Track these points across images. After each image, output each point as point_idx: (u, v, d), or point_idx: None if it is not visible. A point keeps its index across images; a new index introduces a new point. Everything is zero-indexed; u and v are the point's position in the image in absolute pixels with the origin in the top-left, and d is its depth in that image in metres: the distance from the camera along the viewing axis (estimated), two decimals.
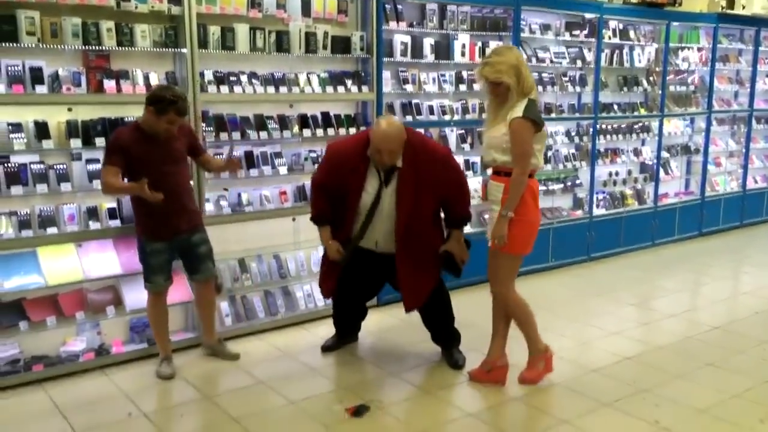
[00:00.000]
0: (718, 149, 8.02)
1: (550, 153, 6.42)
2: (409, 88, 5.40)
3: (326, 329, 4.59)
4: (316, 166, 4.84)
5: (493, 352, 3.84)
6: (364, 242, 3.90)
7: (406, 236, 3.78)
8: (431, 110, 5.58)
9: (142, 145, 3.71)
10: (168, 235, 3.87)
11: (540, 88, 6.14)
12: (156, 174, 3.69)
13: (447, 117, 5.60)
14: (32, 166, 3.85)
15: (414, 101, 5.48)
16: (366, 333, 4.61)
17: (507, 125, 3.51)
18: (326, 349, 4.36)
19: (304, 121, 4.85)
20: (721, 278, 6.18)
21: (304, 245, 4.96)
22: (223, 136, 4.46)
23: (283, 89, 4.68)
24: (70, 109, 3.91)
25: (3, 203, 3.82)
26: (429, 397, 3.71)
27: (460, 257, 3.91)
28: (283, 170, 4.73)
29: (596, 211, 6.70)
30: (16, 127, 3.80)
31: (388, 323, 4.85)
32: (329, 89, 4.89)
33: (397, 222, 3.77)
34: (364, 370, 4.13)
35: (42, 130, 3.85)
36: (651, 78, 7.18)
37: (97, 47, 3.95)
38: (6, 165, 3.79)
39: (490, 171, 3.81)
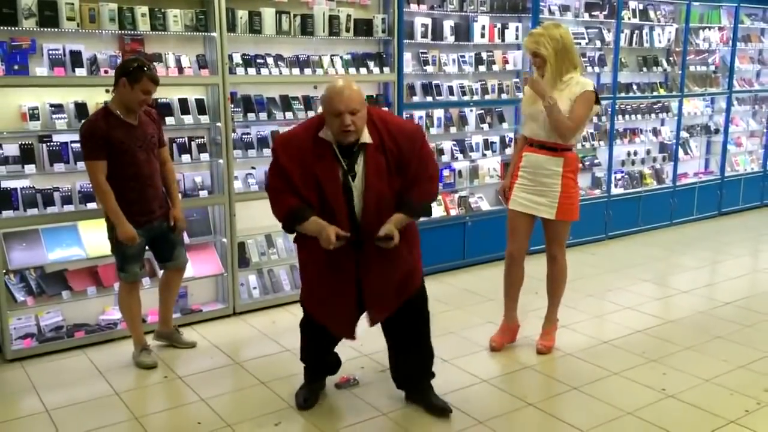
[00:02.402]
0: (738, 129, 8.04)
1: None
2: (429, 69, 5.55)
3: None
4: None
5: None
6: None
7: (376, 228, 2.99)
8: (451, 91, 5.72)
9: (118, 130, 3.63)
10: (144, 221, 3.77)
11: None
12: (132, 159, 3.67)
13: (467, 97, 5.74)
14: (72, 145, 4.08)
15: (434, 82, 5.62)
16: None
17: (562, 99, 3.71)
18: (304, 406, 3.37)
19: None
20: (738, 256, 6.27)
21: None
22: (251, 116, 4.66)
23: (307, 71, 4.86)
24: (107, 91, 4.12)
25: (47, 180, 4.07)
26: (446, 365, 3.90)
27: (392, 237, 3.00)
28: None
29: (614, 191, 6.80)
30: (58, 108, 4.04)
31: None
32: (352, 71, 5.06)
33: (365, 209, 3.01)
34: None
35: (82, 110, 4.08)
36: (671, 58, 7.22)
37: (132, 31, 4.15)
38: (49, 144, 4.02)
39: (515, 144, 4.04)
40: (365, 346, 3.97)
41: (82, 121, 3.80)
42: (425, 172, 3.11)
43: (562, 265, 4.05)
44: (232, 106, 4.55)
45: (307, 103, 4.92)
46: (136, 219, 3.72)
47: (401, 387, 3.42)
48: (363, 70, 5.11)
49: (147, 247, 3.95)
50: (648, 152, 7.19)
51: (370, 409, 3.36)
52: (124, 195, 3.67)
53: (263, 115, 4.72)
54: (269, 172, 3.12)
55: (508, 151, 5.96)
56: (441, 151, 5.68)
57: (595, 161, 6.78)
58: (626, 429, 3.18)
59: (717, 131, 7.76)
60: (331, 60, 4.98)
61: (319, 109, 4.82)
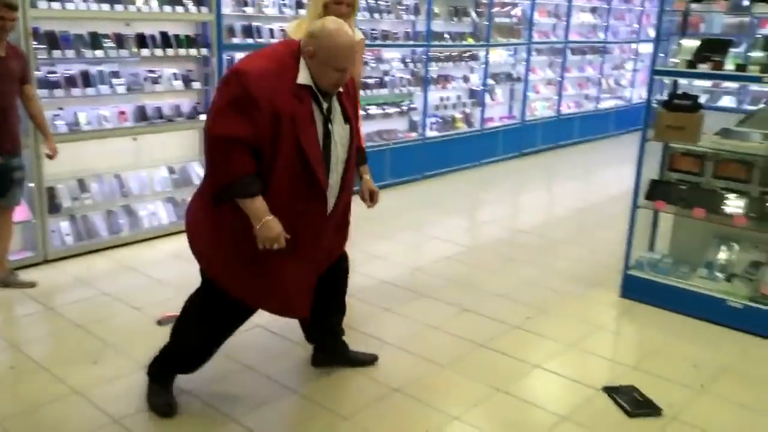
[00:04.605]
0: (537, 77, 8.86)
1: (387, 78, 6.84)
2: (249, 10, 5.53)
3: (171, 245, 4.81)
4: (157, 86, 4.95)
5: None
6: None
7: (352, 177, 2.84)
8: (272, 33, 5.75)
9: None
10: None
11: (377, 15, 6.51)
12: None
13: None
14: None
15: (254, 24, 5.61)
16: None
17: None
18: (171, 413, 2.87)
19: (141, 41, 4.86)
20: (533, 191, 7.04)
21: (146, 165, 5.07)
22: (56, 54, 4.41)
23: (118, 7, 4.66)
24: None
25: None
26: None
27: (375, 196, 3.07)
28: (121, 89, 4.75)
29: (429, 133, 7.27)
30: None
31: None
32: (167, 8, 4.92)
33: (347, 165, 2.74)
34: None
35: None
36: (479, 9, 7.75)
37: None
38: None
39: None
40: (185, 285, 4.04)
41: None
42: (359, 117, 3.08)
43: None
44: (35, 42, 4.27)
45: (120, 41, 4.73)
46: None
47: (323, 346, 3.24)
48: (179, 8, 4.98)
49: None
50: (459, 97, 7.74)
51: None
52: None
53: (70, 53, 4.47)
54: (222, 112, 2.48)
55: None
56: None
57: (412, 106, 7.18)
58: (432, 340, 3.57)
59: (519, 79, 8.50)
60: None
61: (133, 48, 4.64)
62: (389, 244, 5.08)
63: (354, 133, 2.75)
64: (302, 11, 5.84)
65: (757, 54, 3.77)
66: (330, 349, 3.25)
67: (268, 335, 3.56)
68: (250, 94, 2.42)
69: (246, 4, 5.50)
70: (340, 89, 2.66)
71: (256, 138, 2.45)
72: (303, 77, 2.54)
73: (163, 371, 2.91)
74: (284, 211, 2.53)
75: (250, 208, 2.49)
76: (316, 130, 2.57)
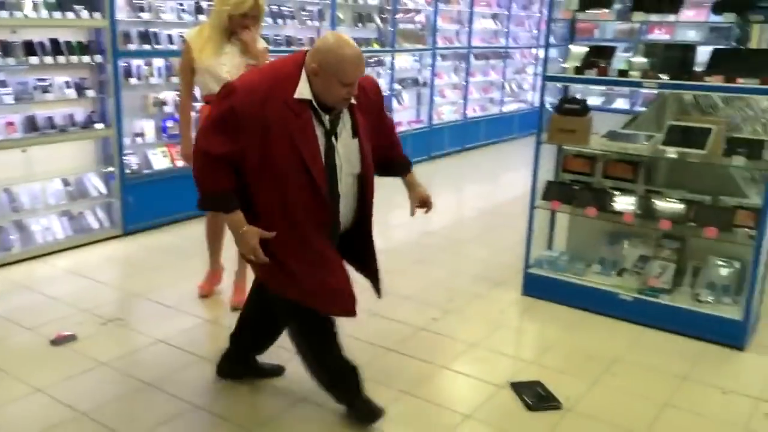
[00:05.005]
0: (442, 82, 9.05)
1: None
2: (145, 15, 5.37)
3: (67, 260, 4.62)
4: (48, 95, 4.73)
5: None
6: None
7: (371, 197, 2.79)
8: (171, 39, 5.61)
9: None
10: None
11: (280, 21, 6.48)
12: None
13: None
14: None
15: (152, 30, 5.46)
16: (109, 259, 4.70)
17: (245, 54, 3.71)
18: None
19: (30, 48, 4.63)
20: (441, 193, 7.16)
21: (38, 177, 4.83)
22: None
23: (3, 13, 4.42)
24: None
25: None
26: (171, 311, 3.98)
27: (429, 202, 3.06)
28: (8, 99, 4.52)
29: None
30: None
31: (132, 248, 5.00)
32: (57, 14, 4.71)
33: (366, 178, 2.72)
34: (104, 292, 4.26)
35: None
36: (383, 15, 7.84)
37: None
38: None
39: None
40: (82, 302, 3.90)
41: None
42: (393, 126, 3.00)
43: None
44: None
45: (6, 48, 4.49)
46: None
47: (249, 359, 3.19)
48: (70, 15, 4.78)
49: None
50: None
51: (91, 361, 3.34)
52: None
53: None
54: (207, 127, 2.55)
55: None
56: (164, 102, 5.59)
57: None
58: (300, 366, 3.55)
59: (425, 84, 8.65)
60: (33, 2, 4.58)
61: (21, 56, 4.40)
62: None
63: (362, 147, 2.66)
64: (202, 17, 5.73)
65: (638, 59, 4.00)
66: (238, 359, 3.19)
67: (170, 350, 3.47)
68: (234, 110, 2.44)
69: (142, 10, 5.34)
70: (352, 101, 2.59)
71: (238, 155, 2.47)
72: (300, 92, 2.48)
73: (340, 394, 2.89)
74: (283, 220, 2.55)
75: (227, 221, 2.60)
76: (317, 143, 2.52)
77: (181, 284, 4.33)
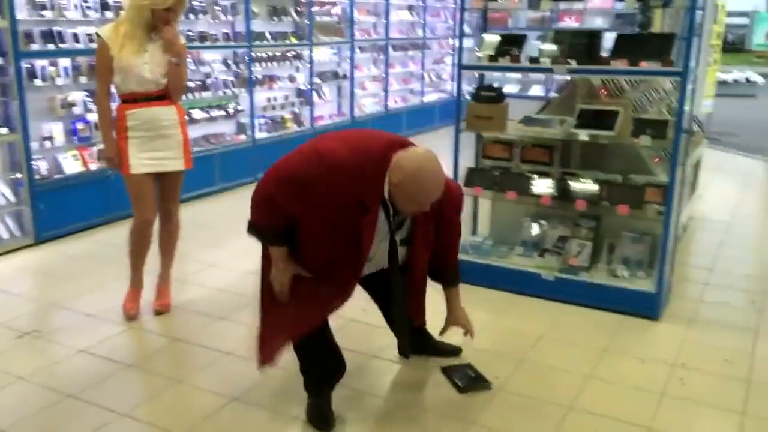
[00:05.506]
0: (362, 75, 9.07)
1: (209, 81, 6.67)
2: (48, 14, 5.14)
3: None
4: None
5: None
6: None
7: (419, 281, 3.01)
8: (77, 38, 5.39)
9: None
10: None
11: (192, 16, 6.32)
12: None
13: (95, 45, 5.46)
14: None
15: (55, 29, 5.23)
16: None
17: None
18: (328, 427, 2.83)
19: None
20: None
21: None
22: None
23: None
24: None
25: None
26: (92, 319, 3.84)
27: (469, 329, 3.15)
28: None
29: (259, 135, 7.19)
30: None
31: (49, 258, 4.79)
32: None
33: (413, 281, 2.93)
34: (19, 304, 4.08)
35: None
36: (298, 8, 7.78)
37: None
38: None
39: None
40: None
41: None
42: (459, 233, 3.05)
43: (178, 221, 3.91)
44: None
45: None
46: None
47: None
48: None
49: None
50: (286, 98, 7.72)
51: (8, 376, 3.18)
52: None
53: None
54: (282, 178, 2.53)
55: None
56: (72, 104, 5.36)
57: (239, 108, 7.06)
58: (229, 365, 3.38)
59: (345, 77, 8.64)
60: None
61: None
62: (223, 251, 4.96)
63: (411, 255, 2.83)
64: (109, 13, 5.52)
65: (549, 46, 4.12)
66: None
67: (92, 360, 3.35)
68: (318, 183, 2.45)
69: (44, 8, 5.11)
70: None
71: (299, 216, 2.55)
72: (400, 197, 2.52)
73: (307, 382, 2.90)
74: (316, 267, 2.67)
75: (271, 253, 2.69)
76: (375, 231, 2.60)
77: (101, 292, 4.19)
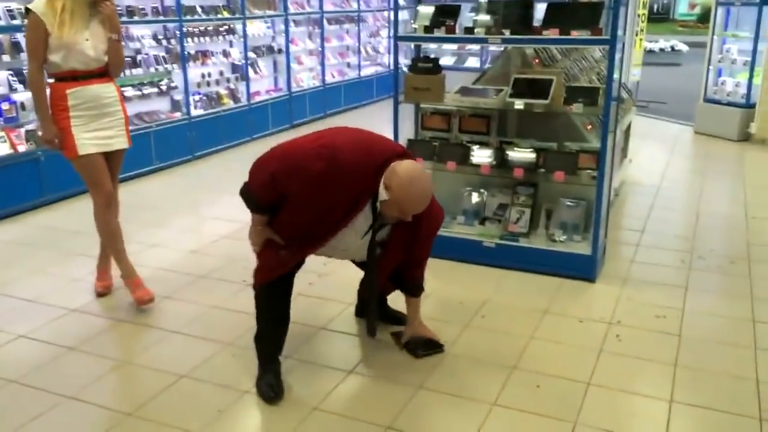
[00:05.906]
0: (298, 49, 8.97)
1: (139, 57, 6.48)
2: None
3: None
4: None
5: None
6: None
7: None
8: (5, 15, 5.14)
9: None
10: None
11: None
12: None
13: (17, 21, 5.22)
14: None
15: None
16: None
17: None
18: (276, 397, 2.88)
19: None
20: None
21: None
22: None
23: None
24: None
25: None
26: (31, 304, 3.74)
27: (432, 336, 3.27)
28: None
29: (194, 112, 7.04)
30: None
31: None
32: None
33: (378, 277, 3.06)
34: None
35: None
36: None
37: None
38: None
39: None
40: None
41: None
42: (428, 252, 3.15)
43: (117, 201, 3.78)
44: None
45: None
46: None
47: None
48: None
49: None
50: (221, 73, 7.57)
51: None
52: None
53: None
54: (288, 162, 2.67)
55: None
56: None
57: (172, 84, 6.88)
58: (216, 320, 3.55)
59: (280, 51, 8.53)
60: None
61: None
62: (166, 230, 4.89)
63: (381, 259, 2.95)
64: None
65: (483, 17, 4.18)
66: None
67: (34, 345, 3.27)
68: (316, 175, 2.60)
69: None
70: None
71: (289, 195, 2.70)
72: (386, 204, 2.67)
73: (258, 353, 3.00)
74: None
75: (252, 216, 2.88)
76: (352, 223, 2.75)
77: (38, 276, 4.08)
